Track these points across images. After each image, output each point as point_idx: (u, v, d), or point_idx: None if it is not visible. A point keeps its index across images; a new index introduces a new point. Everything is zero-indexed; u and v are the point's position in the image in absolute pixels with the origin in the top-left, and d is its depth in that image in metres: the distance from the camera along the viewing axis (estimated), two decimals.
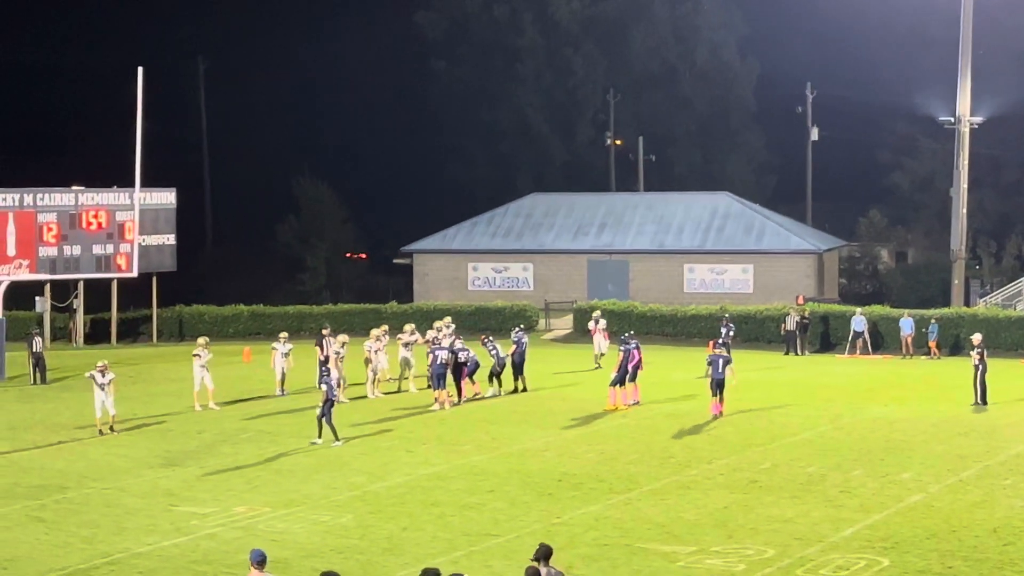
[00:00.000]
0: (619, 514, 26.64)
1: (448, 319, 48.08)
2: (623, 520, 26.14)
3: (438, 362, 40.01)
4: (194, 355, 40.66)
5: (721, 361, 38.74)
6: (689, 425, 37.04)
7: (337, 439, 34.25)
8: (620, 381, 39.55)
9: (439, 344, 40.80)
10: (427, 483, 29.75)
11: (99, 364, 36.96)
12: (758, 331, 57.84)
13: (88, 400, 37.33)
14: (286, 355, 43.23)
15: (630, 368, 39.72)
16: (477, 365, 42.15)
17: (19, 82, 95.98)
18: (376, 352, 42.71)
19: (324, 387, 34.41)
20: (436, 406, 39.79)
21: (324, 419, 34.20)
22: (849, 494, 28.22)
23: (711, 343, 48.30)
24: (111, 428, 36.44)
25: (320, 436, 34.34)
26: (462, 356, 41.48)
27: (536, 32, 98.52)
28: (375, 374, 42.75)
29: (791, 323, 55.13)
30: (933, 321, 53.51)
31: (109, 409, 36.41)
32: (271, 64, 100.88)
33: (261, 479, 30.44)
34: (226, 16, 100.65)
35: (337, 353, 41.31)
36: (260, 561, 17.43)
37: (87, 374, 37.05)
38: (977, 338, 41.07)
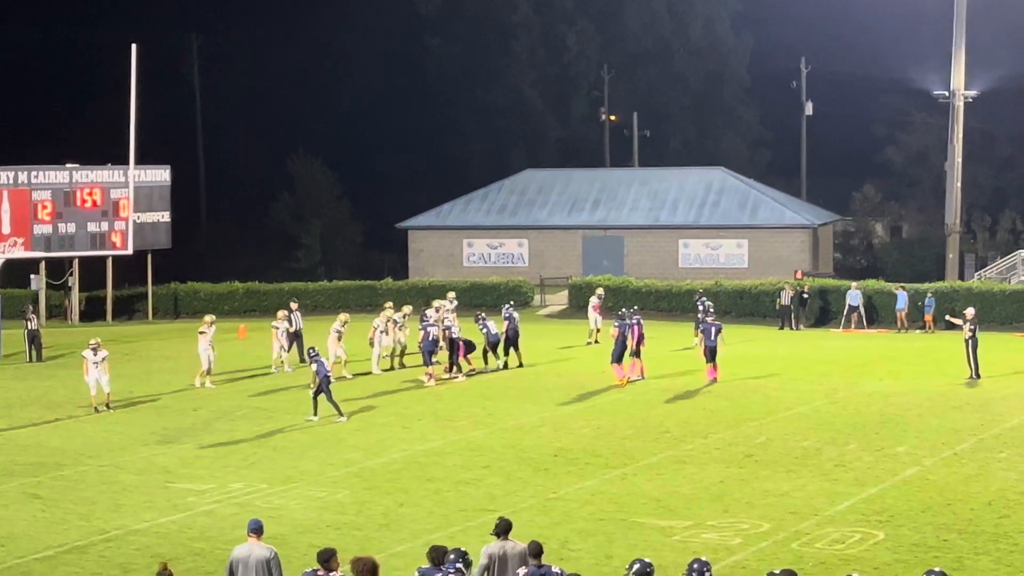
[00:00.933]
0: (615, 489, 26.70)
1: (452, 294, 48.29)
2: (619, 495, 26.20)
3: (429, 338, 40.11)
4: (200, 332, 40.58)
5: (714, 329, 40.00)
6: (685, 400, 37.12)
7: (341, 415, 34.27)
8: (619, 358, 39.56)
9: (429, 321, 40.93)
10: (423, 459, 29.80)
11: (92, 342, 36.92)
12: (753, 306, 57.85)
13: (83, 377, 37.29)
14: (285, 332, 43.30)
15: (633, 344, 39.83)
16: (471, 346, 42.22)
17: (12, 59, 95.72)
18: (385, 331, 42.77)
19: (315, 366, 34.36)
20: (431, 381, 39.82)
21: (326, 397, 34.14)
22: (844, 468, 28.29)
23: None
24: (107, 406, 36.46)
25: (315, 413, 34.35)
26: (455, 332, 41.61)
27: (530, 8, 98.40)
28: (401, 346, 43.17)
29: (785, 298, 55.17)
30: (930, 295, 53.57)
31: (104, 387, 36.42)
32: (265, 41, 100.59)
33: (257, 456, 30.49)
34: None
35: (338, 332, 41.43)
36: (256, 529, 17.57)
37: (82, 353, 37.00)
38: (970, 312, 41.13)
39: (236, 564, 17.36)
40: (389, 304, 45.57)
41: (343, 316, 42.62)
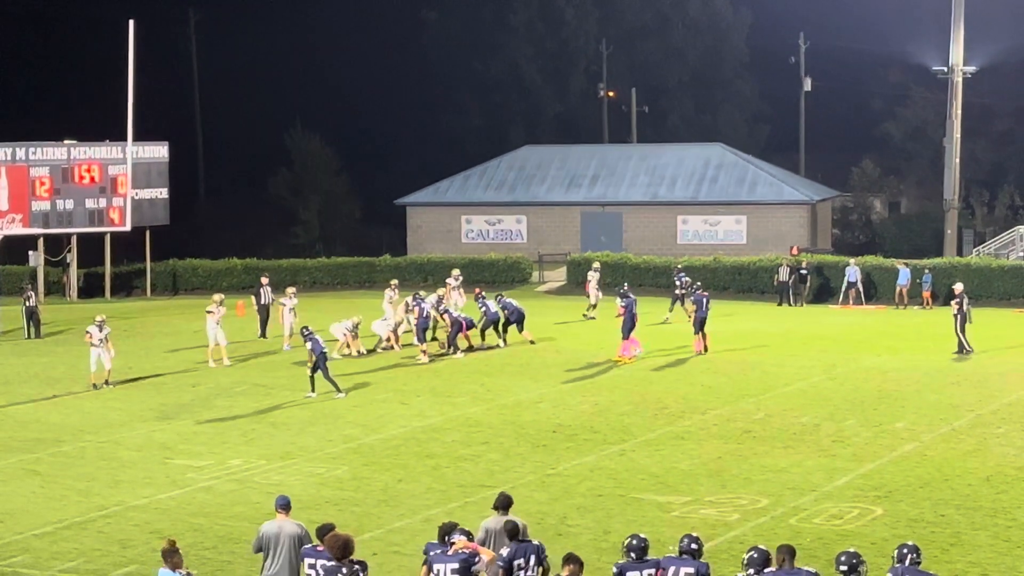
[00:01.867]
0: (613, 465, 26.75)
1: (456, 271, 48.24)
2: (617, 471, 26.24)
3: (423, 315, 40.25)
4: (207, 312, 40.48)
5: (705, 299, 40.57)
6: (683, 376, 37.16)
7: (339, 391, 34.32)
8: (628, 333, 39.71)
9: (422, 299, 41.04)
10: (422, 435, 29.84)
11: (97, 318, 37.02)
12: (751, 282, 57.83)
13: (83, 354, 37.35)
14: (293, 310, 43.24)
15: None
16: (471, 323, 42.28)
17: (9, 35, 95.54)
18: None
19: (310, 344, 34.36)
20: (424, 358, 39.89)
21: (322, 374, 34.18)
22: (842, 444, 28.34)
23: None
24: (106, 382, 36.48)
25: (313, 390, 34.38)
26: (455, 311, 41.69)
27: None
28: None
29: (784, 274, 55.18)
30: (927, 271, 53.59)
31: (105, 364, 36.44)
32: (262, 16, 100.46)
33: (256, 432, 30.52)
34: None
35: (353, 328, 41.43)
36: (284, 505, 17.68)
37: (87, 328, 37.00)
38: (959, 287, 41.16)
39: (267, 540, 17.30)
40: (394, 282, 45.53)
41: (356, 318, 42.29)
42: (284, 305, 43.37)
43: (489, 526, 17.06)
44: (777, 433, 29.47)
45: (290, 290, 44.59)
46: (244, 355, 41.72)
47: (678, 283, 49.85)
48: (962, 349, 40.07)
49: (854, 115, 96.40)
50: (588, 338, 44.58)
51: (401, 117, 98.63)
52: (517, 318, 42.84)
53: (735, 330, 45.46)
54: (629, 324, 39.85)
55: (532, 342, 43.00)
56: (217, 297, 41.45)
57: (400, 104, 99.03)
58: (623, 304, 40.13)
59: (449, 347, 41.28)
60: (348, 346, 41.02)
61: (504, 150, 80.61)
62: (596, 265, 52.73)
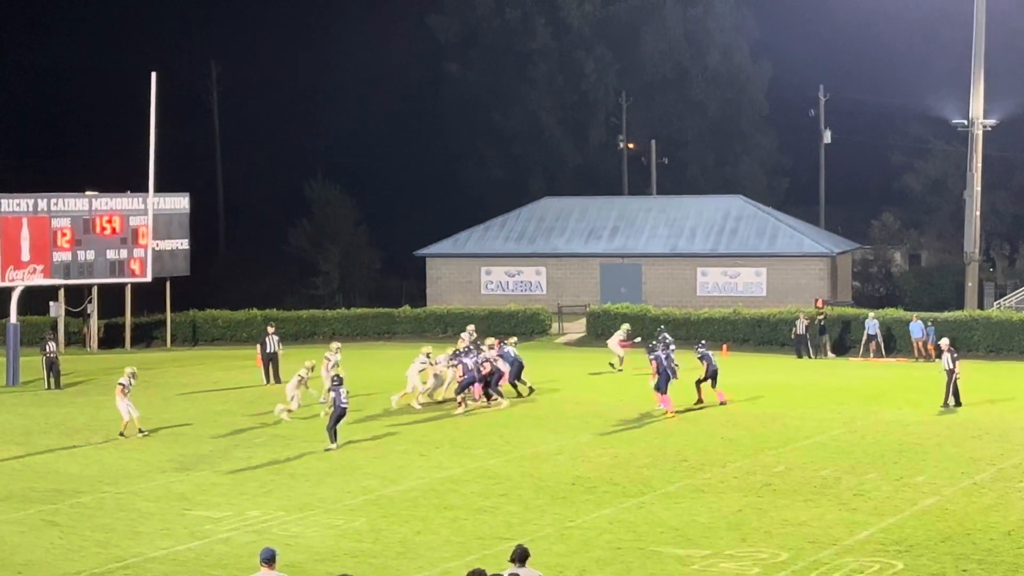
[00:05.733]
0: (633, 517, 26.65)
1: (471, 327, 47.72)
2: (637, 523, 26.14)
3: (468, 370, 40.20)
4: (119, 383, 37.47)
5: (710, 354, 40.93)
6: (703, 428, 37.02)
7: (333, 443, 34.22)
8: (664, 387, 39.25)
9: (465, 354, 40.81)
10: (440, 487, 29.77)
11: (129, 370, 37.41)
12: (771, 334, 57.73)
13: (102, 404, 37.35)
14: (336, 364, 42.34)
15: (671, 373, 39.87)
16: (502, 373, 42.07)
17: (33, 87, 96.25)
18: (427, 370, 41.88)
19: (332, 395, 34.35)
20: (460, 409, 39.71)
21: (330, 423, 34.20)
22: (863, 497, 28.20)
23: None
24: (139, 430, 36.66)
25: (333, 442, 34.27)
26: (487, 366, 41.24)
27: (548, 35, 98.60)
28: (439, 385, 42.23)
29: (801, 327, 55.03)
30: (929, 324, 53.62)
31: (133, 412, 36.67)
32: (284, 68, 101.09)
33: (275, 483, 30.48)
34: (239, 20, 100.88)
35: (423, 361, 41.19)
36: (268, 559, 17.35)
37: (120, 380, 37.14)
38: (945, 343, 41.05)
39: None
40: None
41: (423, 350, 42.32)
42: (328, 360, 42.65)
43: None
44: (797, 486, 29.34)
45: (335, 345, 44.04)
46: (265, 407, 41.70)
47: (659, 340, 46.78)
48: (948, 403, 39.95)
49: (874, 167, 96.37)
50: (607, 390, 44.47)
51: (421, 168, 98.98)
52: (519, 370, 42.82)
53: (755, 382, 45.32)
54: (664, 379, 39.31)
55: (532, 389, 42.92)
56: (129, 370, 38.38)
57: (420, 155, 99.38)
58: (652, 358, 39.82)
59: (489, 396, 41.22)
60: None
61: (524, 201, 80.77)
62: (627, 327, 51.81)
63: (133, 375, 37.21)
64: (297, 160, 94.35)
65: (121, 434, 36.55)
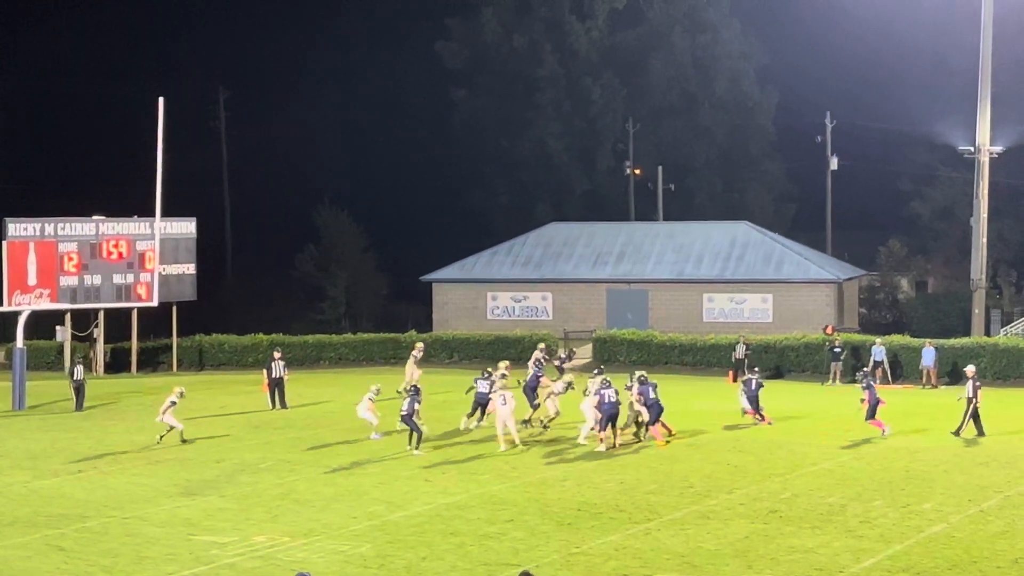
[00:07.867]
0: (638, 544, 26.59)
1: (507, 363, 44.76)
2: (643, 550, 26.08)
3: (607, 402, 37.66)
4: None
5: (754, 382, 42.36)
6: (709, 455, 36.96)
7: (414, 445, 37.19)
8: (656, 419, 38.76)
9: (604, 385, 38.07)
10: (446, 512, 29.72)
11: (178, 389, 40.09)
12: (778, 361, 57.70)
13: (109, 429, 37.39)
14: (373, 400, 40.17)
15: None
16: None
17: (40, 112, 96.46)
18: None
19: (407, 401, 37.51)
20: (601, 447, 37.76)
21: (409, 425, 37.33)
22: (870, 524, 28.13)
23: (731, 373, 48.61)
24: (182, 439, 39.14)
25: (413, 444, 37.25)
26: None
27: (555, 62, 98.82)
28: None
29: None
30: (934, 349, 53.66)
31: (177, 424, 39.20)
32: (291, 93, 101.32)
33: (280, 508, 30.44)
34: (246, 46, 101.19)
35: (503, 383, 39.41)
36: None
37: (170, 398, 39.39)
38: (971, 370, 40.52)
39: None
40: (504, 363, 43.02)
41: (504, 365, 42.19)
42: (372, 401, 39.88)
43: None
44: (804, 513, 29.28)
45: (376, 386, 40.86)
46: (271, 433, 41.67)
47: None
48: (959, 433, 39.53)
49: (881, 194, 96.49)
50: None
51: (428, 194, 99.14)
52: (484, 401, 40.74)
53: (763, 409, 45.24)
54: (656, 412, 38.79)
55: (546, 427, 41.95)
56: (178, 389, 40.30)
57: (427, 181, 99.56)
58: (639, 392, 39.02)
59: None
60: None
61: (530, 227, 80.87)
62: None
63: (181, 394, 39.75)
64: (304, 185, 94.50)
65: (183, 440, 39.18)
